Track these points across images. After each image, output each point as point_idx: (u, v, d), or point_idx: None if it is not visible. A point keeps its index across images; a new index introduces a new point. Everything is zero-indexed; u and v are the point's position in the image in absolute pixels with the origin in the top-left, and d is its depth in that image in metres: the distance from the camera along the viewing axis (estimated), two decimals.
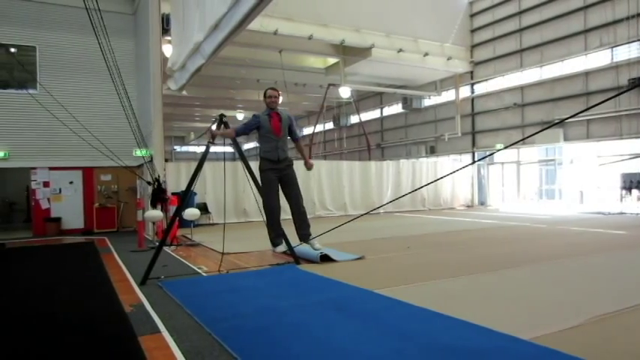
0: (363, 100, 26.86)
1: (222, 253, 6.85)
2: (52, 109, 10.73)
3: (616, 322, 3.67)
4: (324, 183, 15.62)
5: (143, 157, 10.62)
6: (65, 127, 10.56)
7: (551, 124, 7.19)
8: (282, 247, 5.56)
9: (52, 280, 6.27)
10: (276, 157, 5.17)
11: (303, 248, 7.05)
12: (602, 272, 5.68)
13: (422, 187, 6.79)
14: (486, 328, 3.54)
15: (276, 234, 5.42)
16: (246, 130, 5.33)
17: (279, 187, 5.33)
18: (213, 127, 6.15)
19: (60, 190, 13.13)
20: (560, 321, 3.68)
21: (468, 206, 18.86)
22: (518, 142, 6.68)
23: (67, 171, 13.11)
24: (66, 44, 13.06)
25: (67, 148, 12.53)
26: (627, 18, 13.99)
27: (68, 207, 13.11)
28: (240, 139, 7.77)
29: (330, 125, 28.52)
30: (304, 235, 5.36)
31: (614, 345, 3.22)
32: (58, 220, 12.91)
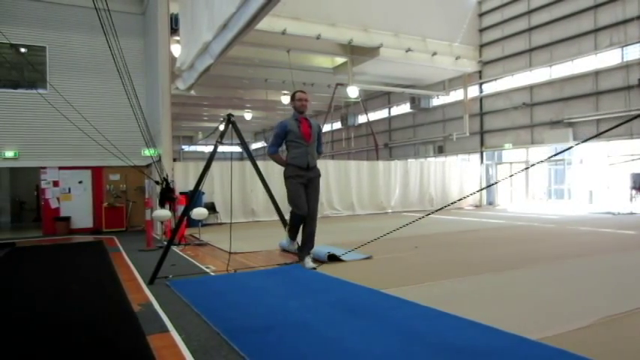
0: (370, 99, 26.82)
1: (230, 253, 6.87)
2: (62, 108, 10.83)
3: (626, 323, 3.63)
4: (331, 183, 15.60)
5: (151, 156, 10.69)
6: (74, 127, 10.66)
7: (578, 143, 7.12)
8: (294, 247, 5.48)
9: (61, 279, 6.33)
10: (305, 163, 4.85)
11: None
12: (612, 272, 5.61)
13: (447, 205, 6.76)
14: (495, 328, 3.51)
15: (294, 236, 5.39)
16: (279, 141, 5.01)
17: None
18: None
19: (69, 189, 13.25)
20: (570, 321, 3.65)
21: (476, 206, 18.75)
22: (556, 154, 6.63)
23: (76, 170, 13.24)
24: (75, 44, 13.18)
25: (76, 148, 12.65)
26: (638, 17, 13.84)
27: (77, 206, 13.23)
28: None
29: (337, 125, 28.54)
30: (304, 252, 5.16)
31: (624, 345, 3.18)
32: (67, 219, 13.03)
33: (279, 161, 5.05)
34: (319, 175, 4.99)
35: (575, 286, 4.92)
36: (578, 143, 7.22)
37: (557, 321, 3.71)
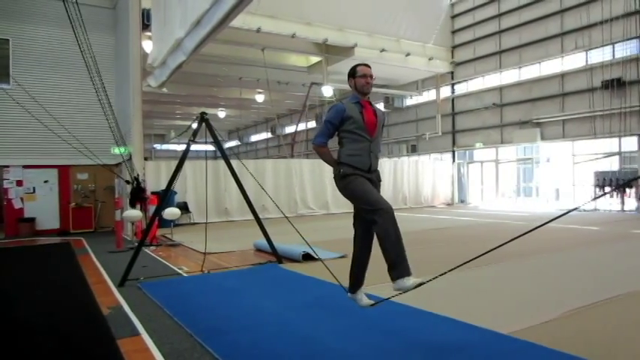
0: (345, 98, 26.88)
1: (205, 253, 6.78)
2: (26, 104, 10.42)
3: (590, 315, 3.79)
4: (306, 181, 15.60)
5: (122, 155, 10.43)
6: (40, 124, 10.27)
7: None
8: (366, 300, 3.49)
9: (26, 283, 6.10)
10: (367, 164, 3.35)
11: (284, 246, 7.03)
12: (578, 267, 5.83)
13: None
14: (467, 323, 3.59)
15: (356, 279, 3.56)
16: (330, 130, 3.43)
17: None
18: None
19: (34, 189, 12.77)
20: (538, 315, 3.77)
21: (448, 204, 19.11)
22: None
23: (41, 169, 12.76)
24: (42, 37, 12.70)
25: (41, 146, 12.20)
26: (601, 22, 14.37)
27: (43, 207, 12.76)
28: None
29: (312, 124, 28.51)
30: (399, 273, 3.20)
31: (588, 336, 3.31)
32: (31, 220, 12.56)
33: (327, 158, 3.48)
34: (380, 180, 3.57)
35: (543, 281, 5.09)
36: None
37: (526, 315, 3.83)
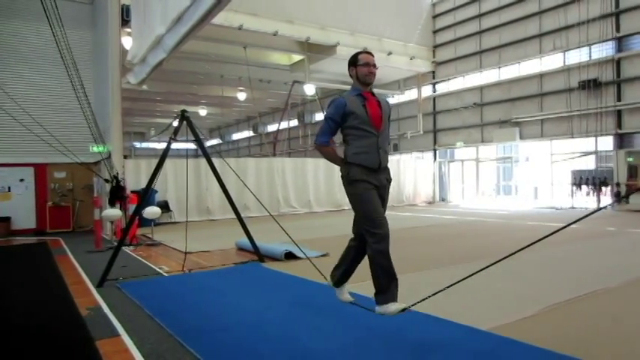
0: (327, 97, 26.92)
1: (186, 253, 6.70)
2: (1, 101, 10.13)
3: (567, 310, 3.88)
4: (288, 180, 15.57)
5: (100, 153, 10.23)
6: (15, 121, 10.00)
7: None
8: (347, 296, 3.56)
9: (1, 284, 5.93)
10: (375, 162, 3.15)
11: (266, 245, 7.00)
12: (556, 264, 5.96)
13: None
14: (448, 320, 3.64)
15: (343, 274, 3.54)
16: (333, 128, 3.23)
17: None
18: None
19: (9, 188, 12.42)
20: (517, 311, 3.84)
21: (430, 202, 19.31)
22: None
23: (17, 167, 12.41)
24: (16, 32, 12.36)
25: (17, 144, 11.88)
26: (578, 24, 14.71)
27: (18, 206, 12.42)
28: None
29: (294, 122, 28.47)
30: (384, 299, 3.13)
31: (565, 332, 3.39)
32: (7, 219, 12.21)
33: (331, 157, 3.33)
34: (391, 181, 3.33)
35: (524, 278, 5.18)
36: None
37: (506, 311, 3.90)
